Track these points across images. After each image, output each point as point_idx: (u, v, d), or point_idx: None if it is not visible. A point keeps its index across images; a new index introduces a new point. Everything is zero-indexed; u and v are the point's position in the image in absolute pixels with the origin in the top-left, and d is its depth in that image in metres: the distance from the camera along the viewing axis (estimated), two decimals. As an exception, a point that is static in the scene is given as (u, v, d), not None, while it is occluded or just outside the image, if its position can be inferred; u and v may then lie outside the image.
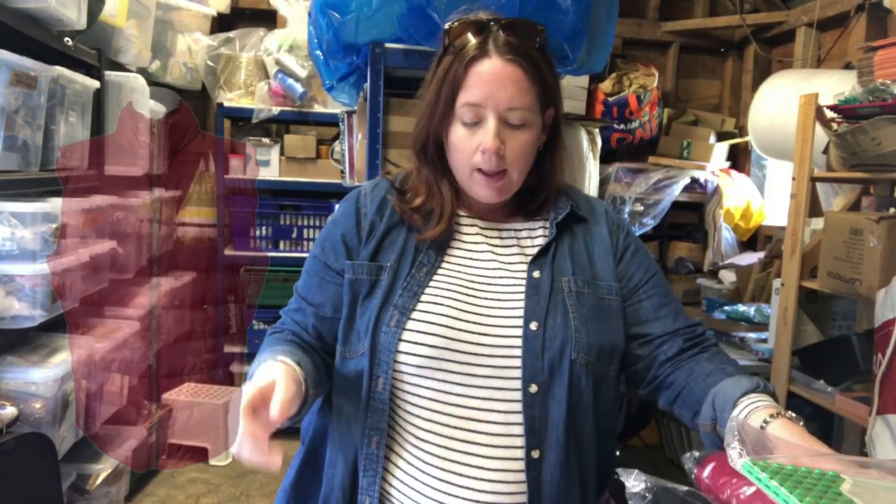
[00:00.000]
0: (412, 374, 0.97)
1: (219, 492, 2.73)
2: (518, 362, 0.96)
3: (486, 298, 1.00)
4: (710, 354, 1.03)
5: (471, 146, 0.98)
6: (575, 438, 0.96)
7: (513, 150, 0.99)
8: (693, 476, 0.76)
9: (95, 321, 2.47)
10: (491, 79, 0.96)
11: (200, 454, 2.98)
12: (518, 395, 0.95)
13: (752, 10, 3.57)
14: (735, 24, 3.57)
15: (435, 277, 1.01)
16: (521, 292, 1.00)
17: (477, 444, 0.95)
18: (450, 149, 1.02)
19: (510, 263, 1.04)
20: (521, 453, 0.94)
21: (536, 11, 1.66)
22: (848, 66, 2.82)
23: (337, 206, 1.10)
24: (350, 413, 1.00)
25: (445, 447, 0.95)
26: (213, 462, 2.96)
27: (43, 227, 1.91)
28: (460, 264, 1.03)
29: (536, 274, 1.02)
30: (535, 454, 0.94)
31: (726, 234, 3.57)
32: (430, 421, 0.96)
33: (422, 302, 0.98)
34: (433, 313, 0.97)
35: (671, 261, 3.75)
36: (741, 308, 2.83)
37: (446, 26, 1.01)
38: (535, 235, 1.08)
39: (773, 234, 3.39)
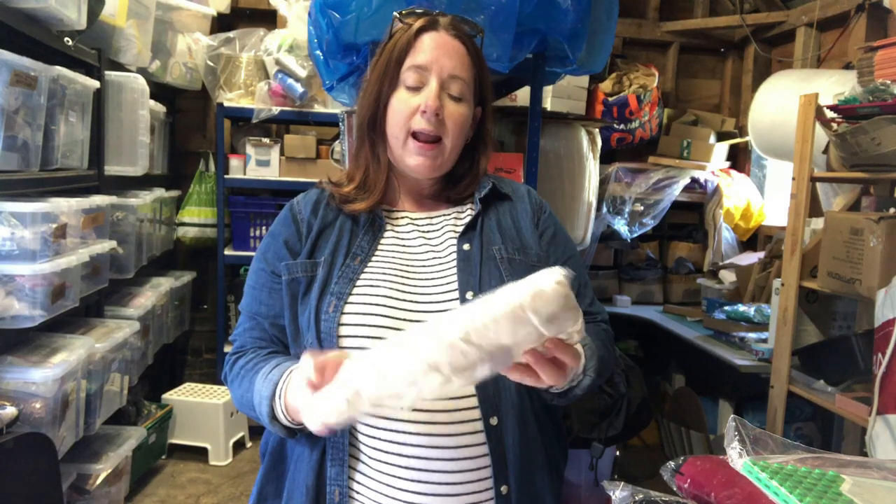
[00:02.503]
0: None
1: (219, 492, 2.73)
2: None
3: (421, 277, 1.03)
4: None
5: (409, 108, 1.02)
6: (528, 399, 1.00)
7: (450, 118, 1.03)
8: (675, 486, 0.75)
9: (95, 321, 2.47)
10: (437, 46, 1.03)
11: (200, 454, 2.99)
12: None
13: (752, 10, 3.57)
14: (735, 24, 3.57)
15: (370, 264, 1.03)
16: (453, 266, 1.03)
17: (435, 423, 0.96)
18: (389, 116, 1.05)
19: (441, 243, 1.08)
20: (479, 425, 0.97)
21: (536, 11, 1.66)
22: (848, 66, 2.83)
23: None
24: None
25: (404, 431, 0.96)
26: (213, 462, 2.97)
27: (43, 227, 1.91)
28: (394, 250, 1.06)
29: (466, 246, 1.05)
30: (494, 421, 0.97)
31: (726, 234, 3.57)
32: None
33: (358, 286, 1.00)
34: (370, 295, 0.99)
35: (671, 261, 3.75)
36: (741, 308, 2.83)
37: (396, 13, 1.09)
38: (464, 215, 1.12)
39: (773, 234, 3.39)
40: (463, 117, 1.05)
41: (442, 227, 1.10)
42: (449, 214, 1.12)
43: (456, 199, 1.13)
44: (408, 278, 1.02)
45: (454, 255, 1.05)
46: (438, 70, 1.02)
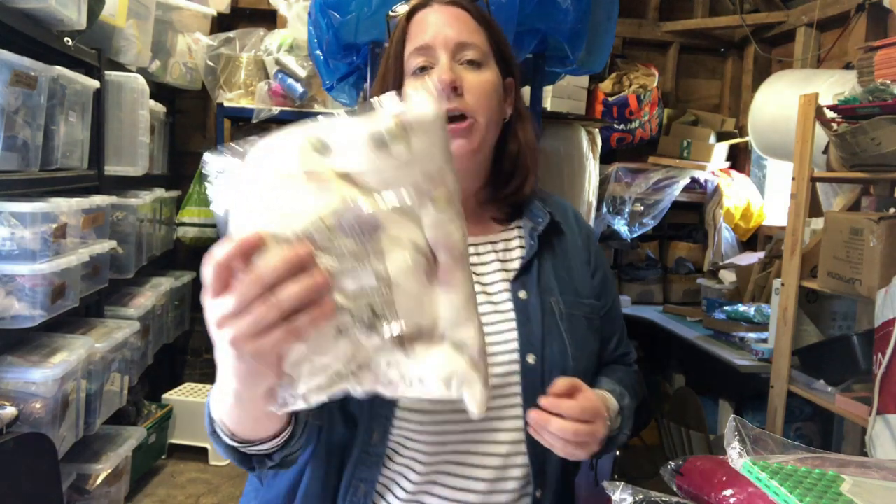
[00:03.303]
0: (412, 430, 0.86)
1: (219, 492, 2.72)
2: (518, 400, 0.87)
3: None
4: (614, 367, 1.02)
5: None
6: (570, 469, 0.93)
7: (472, 89, 0.87)
8: (675, 486, 0.75)
9: (95, 321, 2.47)
10: (436, 20, 0.89)
11: (200, 454, 2.99)
12: (520, 435, 0.87)
13: (752, 10, 3.57)
14: (735, 24, 3.57)
15: None
16: (512, 319, 0.89)
17: (475, 491, 0.86)
18: None
19: (492, 283, 0.92)
20: (528, 501, 0.89)
21: (536, 11, 1.66)
22: (848, 66, 2.82)
23: None
24: (331, 459, 0.88)
25: (440, 497, 0.87)
26: (213, 462, 2.96)
27: (43, 227, 1.91)
28: None
29: (522, 294, 0.91)
30: (539, 494, 0.89)
31: (726, 234, 3.57)
32: (426, 464, 0.86)
33: None
34: None
35: (671, 261, 3.75)
36: (741, 308, 2.83)
37: (389, 12, 1.02)
38: (513, 247, 0.96)
39: (773, 234, 3.39)
40: (489, 84, 0.88)
41: (490, 263, 0.94)
42: (496, 242, 0.96)
43: (504, 213, 0.97)
44: None
45: (510, 305, 0.90)
46: (444, 42, 0.87)
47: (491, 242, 0.96)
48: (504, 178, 0.96)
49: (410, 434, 0.86)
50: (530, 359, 0.87)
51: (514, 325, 0.89)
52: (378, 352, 0.56)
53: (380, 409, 0.84)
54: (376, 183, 0.55)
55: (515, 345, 0.88)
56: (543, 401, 0.79)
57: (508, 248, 0.96)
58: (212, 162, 0.58)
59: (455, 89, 0.85)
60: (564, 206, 1.04)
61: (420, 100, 0.56)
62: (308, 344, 0.54)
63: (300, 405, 0.57)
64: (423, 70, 0.89)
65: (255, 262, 0.52)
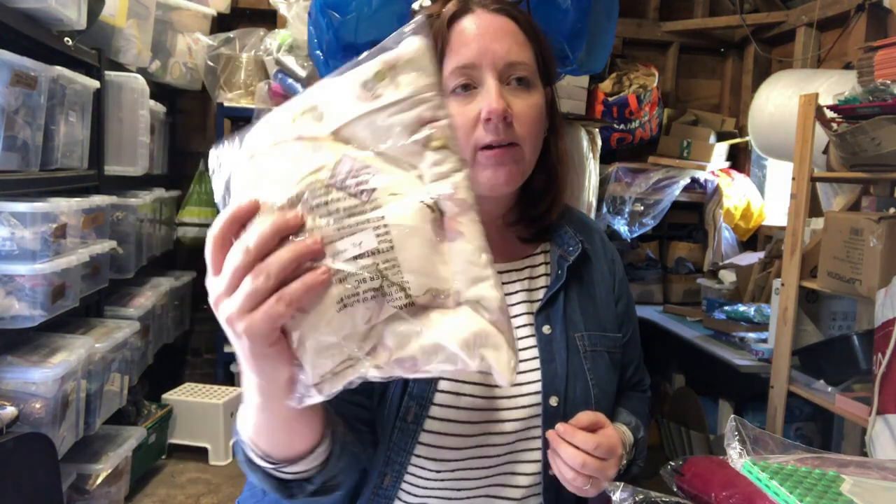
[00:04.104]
0: (427, 478, 0.83)
1: (219, 492, 2.72)
2: (538, 444, 0.85)
3: None
4: (630, 394, 1.02)
5: (469, 119, 0.78)
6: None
7: (522, 117, 0.79)
8: (675, 486, 0.75)
9: (95, 321, 2.47)
10: (481, 32, 0.79)
11: (200, 454, 2.99)
12: (538, 479, 0.86)
13: (752, 10, 3.57)
14: (735, 24, 3.57)
15: None
16: (535, 358, 0.86)
17: None
18: None
19: (516, 315, 0.88)
20: None
21: (536, 11, 1.66)
22: (848, 66, 2.82)
23: None
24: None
25: None
26: (213, 462, 2.96)
27: (43, 227, 1.91)
28: None
29: (546, 329, 0.87)
30: None
31: (726, 234, 3.57)
32: None
33: (441, 392, 0.82)
34: (454, 408, 0.82)
35: (671, 261, 3.75)
36: (741, 308, 2.83)
37: (414, 6, 0.92)
38: (538, 274, 0.91)
39: (773, 234, 3.39)
40: (537, 110, 0.82)
41: (516, 293, 0.89)
42: (521, 270, 0.90)
43: (531, 233, 0.91)
44: None
45: (533, 341, 0.86)
46: (491, 61, 0.78)
47: (516, 270, 0.91)
48: (534, 197, 0.90)
49: (424, 482, 0.84)
50: (553, 401, 0.84)
51: (537, 363, 0.86)
52: (390, 323, 0.53)
53: (395, 457, 0.82)
54: (368, 133, 0.54)
55: (538, 386, 0.85)
56: (560, 426, 0.78)
57: (533, 275, 0.91)
58: (213, 155, 0.58)
59: (505, 118, 0.77)
60: (591, 227, 0.99)
61: (406, 41, 0.56)
62: (309, 317, 0.51)
63: (315, 398, 0.54)
64: (466, 89, 0.79)
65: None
